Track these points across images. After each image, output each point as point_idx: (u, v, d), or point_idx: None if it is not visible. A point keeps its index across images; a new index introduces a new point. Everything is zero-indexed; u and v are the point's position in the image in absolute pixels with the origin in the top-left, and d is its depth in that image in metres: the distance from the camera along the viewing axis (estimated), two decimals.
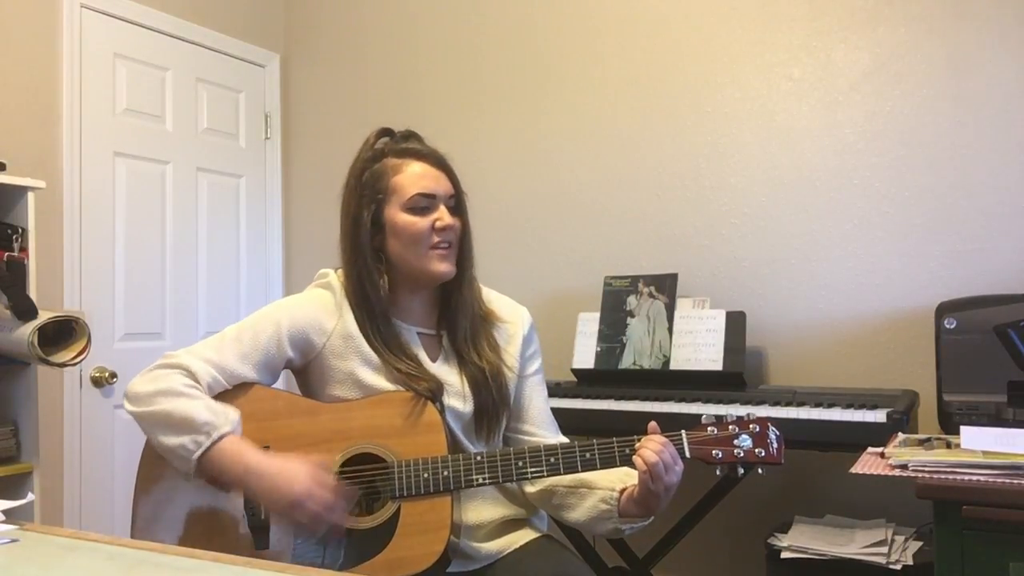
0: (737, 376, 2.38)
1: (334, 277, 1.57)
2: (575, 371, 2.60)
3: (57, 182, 2.69)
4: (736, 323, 2.43)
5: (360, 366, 1.47)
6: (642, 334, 2.53)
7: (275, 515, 1.37)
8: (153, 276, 3.04)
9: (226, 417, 1.37)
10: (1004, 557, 1.45)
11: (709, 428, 1.39)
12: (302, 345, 1.49)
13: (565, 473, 1.42)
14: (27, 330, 2.04)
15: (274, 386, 1.52)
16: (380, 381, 1.46)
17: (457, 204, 1.54)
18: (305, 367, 1.52)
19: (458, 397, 1.50)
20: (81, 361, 2.16)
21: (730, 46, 2.71)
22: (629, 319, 2.56)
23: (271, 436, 1.42)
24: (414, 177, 1.50)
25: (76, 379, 2.75)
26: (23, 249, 2.23)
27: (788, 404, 2.12)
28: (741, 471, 1.39)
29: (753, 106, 2.67)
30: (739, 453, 1.37)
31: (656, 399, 2.29)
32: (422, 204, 1.49)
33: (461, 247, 1.54)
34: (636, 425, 2.23)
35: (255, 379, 1.47)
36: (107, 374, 2.82)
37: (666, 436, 1.37)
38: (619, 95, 2.89)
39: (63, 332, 2.15)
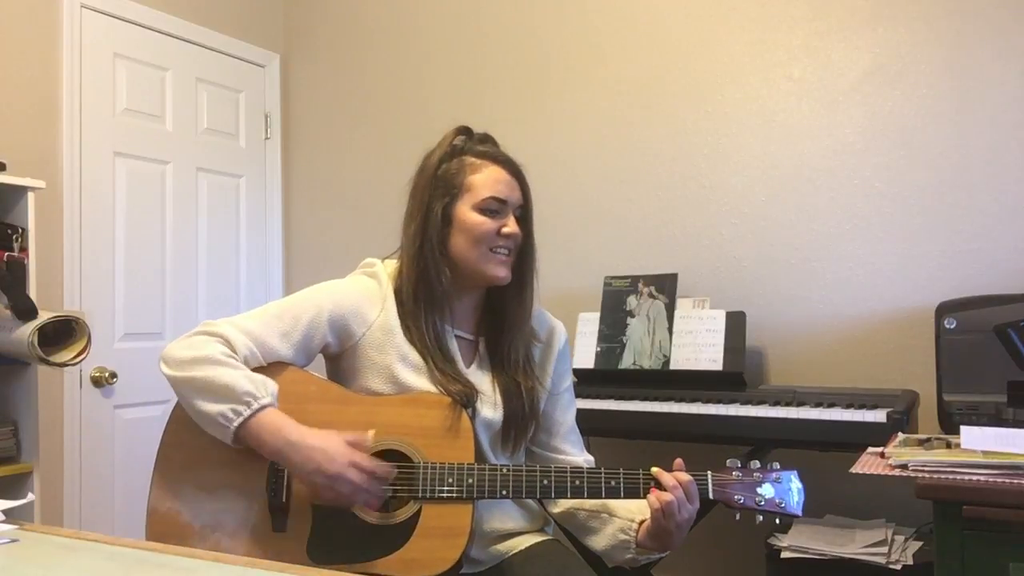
0: (737, 376, 2.38)
1: (381, 267, 1.56)
2: (575, 371, 2.60)
3: (57, 182, 2.69)
4: (736, 323, 2.43)
5: (397, 361, 1.46)
6: (642, 334, 2.53)
7: (310, 488, 1.36)
8: (153, 276, 3.04)
9: (266, 388, 1.37)
10: (1004, 557, 1.45)
11: (735, 472, 1.40)
12: (341, 332, 1.48)
13: (588, 498, 1.42)
14: (27, 330, 2.04)
15: (307, 369, 1.51)
16: (414, 379, 1.45)
17: (524, 215, 1.55)
18: (340, 354, 1.51)
19: (489, 405, 1.49)
20: (81, 361, 2.15)
21: (730, 46, 2.71)
22: (629, 319, 2.56)
23: (299, 420, 1.42)
24: (490, 180, 1.50)
25: (76, 379, 2.75)
26: (23, 249, 2.23)
27: (788, 404, 2.12)
28: (760, 519, 1.40)
29: (753, 106, 2.67)
30: (760, 502, 1.38)
31: (656, 399, 2.29)
32: (493, 207, 1.49)
33: (521, 257, 1.54)
34: (637, 425, 2.25)
35: (291, 359, 1.46)
36: (107, 374, 2.82)
37: (691, 475, 1.37)
38: (619, 95, 2.89)
39: (63, 332, 2.15)
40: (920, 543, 2.02)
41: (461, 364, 1.51)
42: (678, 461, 1.39)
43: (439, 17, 3.26)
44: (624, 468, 1.40)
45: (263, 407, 1.35)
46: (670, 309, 2.52)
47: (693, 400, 2.23)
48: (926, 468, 1.54)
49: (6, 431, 2.22)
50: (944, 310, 2.12)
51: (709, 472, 1.39)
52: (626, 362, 2.52)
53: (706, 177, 2.74)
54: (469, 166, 1.52)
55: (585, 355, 2.58)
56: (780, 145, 2.63)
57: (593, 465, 1.61)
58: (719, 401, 2.20)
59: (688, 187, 2.77)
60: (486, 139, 1.59)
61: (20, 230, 2.24)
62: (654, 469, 1.38)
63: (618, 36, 2.90)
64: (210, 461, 1.42)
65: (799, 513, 1.38)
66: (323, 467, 1.32)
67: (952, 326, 2.09)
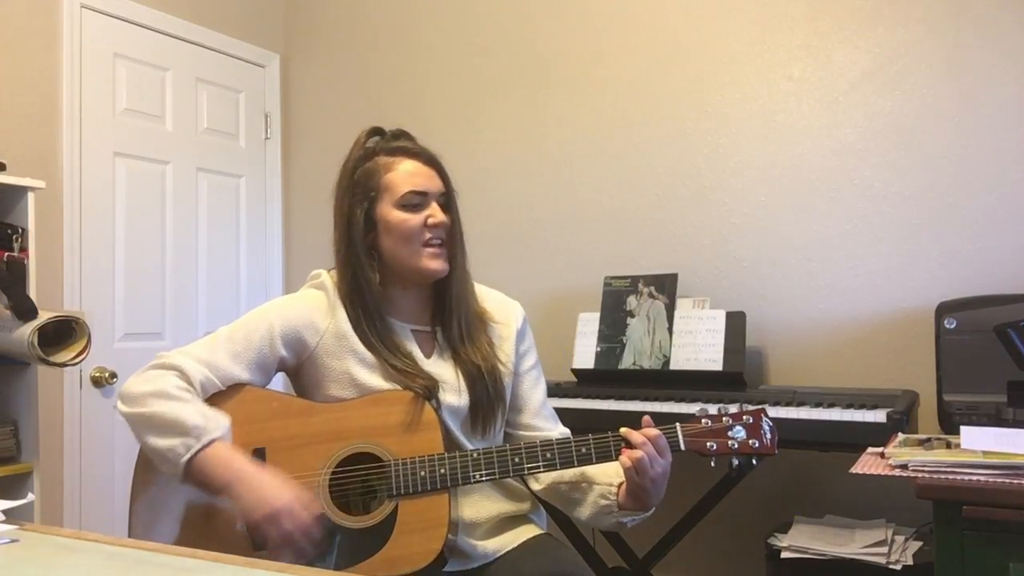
0: (737, 376, 2.38)
1: (327, 277, 1.57)
2: (575, 371, 2.60)
3: (57, 182, 2.69)
4: (736, 323, 2.43)
5: (355, 365, 1.47)
6: (642, 334, 2.53)
7: (249, 524, 1.36)
8: (153, 276, 3.04)
9: (217, 423, 1.37)
10: (1004, 557, 1.45)
11: (703, 420, 1.41)
12: (295, 345, 1.49)
13: (562, 468, 1.43)
14: (27, 330, 2.04)
15: (268, 387, 1.52)
16: (375, 379, 1.46)
17: (448, 201, 1.55)
18: (299, 367, 1.52)
19: (453, 392, 1.50)
20: (81, 361, 2.16)
21: (730, 46, 2.71)
22: (629, 319, 2.56)
23: (265, 437, 1.42)
24: (406, 175, 1.51)
25: (76, 379, 2.75)
26: (23, 249, 2.23)
27: (788, 404, 2.12)
28: (735, 462, 1.40)
29: (753, 106, 2.67)
30: (733, 444, 1.38)
31: (656, 399, 2.29)
32: (414, 201, 1.50)
33: (452, 244, 1.54)
34: (636, 425, 2.25)
35: (248, 379, 1.47)
36: (107, 374, 2.82)
37: (660, 429, 1.39)
38: (619, 95, 2.89)
39: (63, 332, 2.15)
40: (920, 543, 2.01)
41: (420, 357, 1.52)
42: (646, 418, 1.41)
43: (439, 17, 3.26)
44: (593, 434, 1.41)
45: (212, 440, 1.35)
46: (670, 309, 2.52)
47: (693, 400, 2.23)
48: (926, 468, 1.54)
49: (6, 431, 2.22)
50: (944, 310, 2.12)
51: (678, 424, 1.40)
52: (626, 362, 2.52)
53: (706, 177, 2.74)
54: (383, 165, 1.53)
55: (585, 355, 2.58)
56: (780, 145, 2.63)
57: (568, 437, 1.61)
58: (719, 401, 2.19)
59: (688, 187, 2.77)
60: (399, 135, 1.59)
61: (20, 230, 2.24)
62: (623, 429, 1.39)
63: (618, 36, 2.90)
64: (184, 490, 1.43)
65: (774, 451, 1.39)
66: (265, 502, 1.32)
67: (952, 326, 2.09)
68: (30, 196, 2.27)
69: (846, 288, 2.52)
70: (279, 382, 1.63)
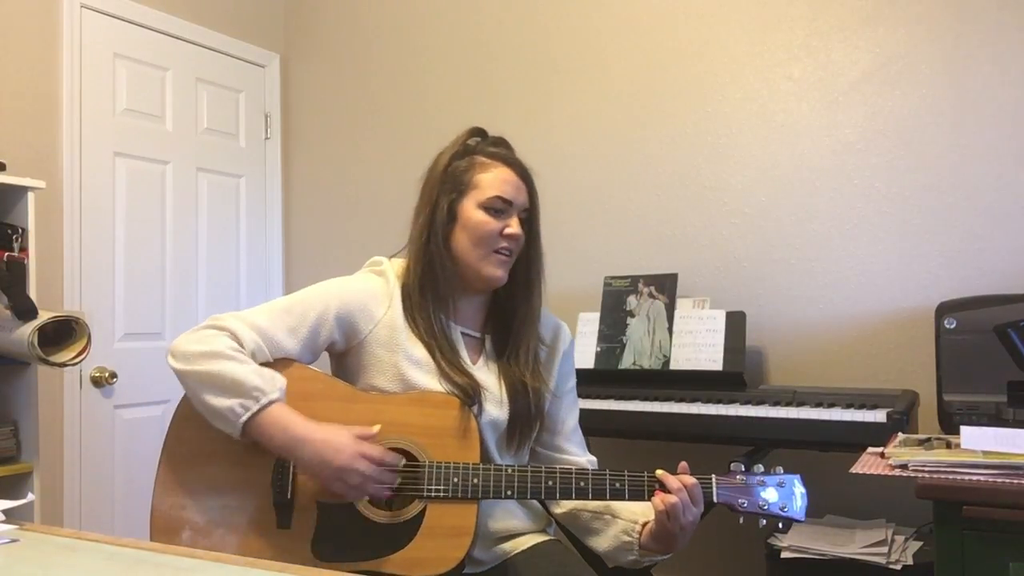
0: (737, 376, 2.38)
1: (388, 266, 1.56)
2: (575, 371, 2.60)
3: (57, 182, 2.69)
4: (736, 323, 2.43)
5: (403, 359, 1.46)
6: (642, 334, 2.53)
7: (319, 483, 1.37)
8: (153, 276, 3.04)
9: (274, 384, 1.37)
10: (1004, 557, 1.45)
11: (738, 476, 1.40)
12: (348, 329, 1.48)
13: (593, 499, 1.42)
14: (27, 330, 2.04)
15: (313, 367, 1.51)
16: (421, 376, 1.45)
17: (529, 219, 1.55)
18: (346, 352, 1.51)
19: (495, 403, 1.49)
20: (81, 361, 2.16)
21: (730, 46, 2.71)
22: (629, 319, 2.56)
23: (307, 416, 1.42)
24: (498, 180, 1.51)
25: (76, 379, 2.75)
26: (23, 249, 2.23)
27: (788, 404, 2.12)
28: (763, 523, 1.40)
29: (753, 106, 2.67)
30: (764, 507, 1.38)
31: (656, 399, 2.29)
32: (498, 206, 1.50)
33: (527, 261, 1.55)
34: (637, 425, 2.25)
35: (297, 355, 1.46)
36: (107, 374, 2.82)
37: (696, 478, 1.38)
38: (619, 95, 2.89)
39: (63, 332, 2.15)
40: (920, 543, 2.02)
41: (467, 361, 1.52)
42: (683, 464, 1.40)
43: (440, 17, 3.26)
44: (628, 470, 1.40)
45: (271, 402, 1.36)
46: (670, 309, 2.52)
47: (693, 400, 2.23)
48: (926, 468, 1.54)
49: (6, 431, 2.22)
50: (944, 310, 2.12)
51: (713, 476, 1.40)
52: (626, 362, 2.52)
53: (706, 177, 2.74)
54: (479, 165, 1.53)
55: (585, 355, 2.58)
56: (780, 145, 2.63)
57: (596, 466, 1.61)
58: (719, 401, 2.20)
59: (688, 187, 2.77)
60: (499, 142, 1.60)
61: (20, 230, 2.24)
62: (659, 472, 1.38)
63: (618, 36, 2.90)
64: (215, 457, 1.42)
65: (802, 518, 1.39)
66: (331, 460, 1.32)
67: (952, 326, 2.09)
68: (30, 196, 2.27)
69: (846, 288, 2.52)
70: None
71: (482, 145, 1.57)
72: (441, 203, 1.50)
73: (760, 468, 1.41)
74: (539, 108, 3.02)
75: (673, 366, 2.45)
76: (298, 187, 3.56)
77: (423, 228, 1.51)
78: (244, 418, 1.34)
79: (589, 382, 2.54)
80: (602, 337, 2.58)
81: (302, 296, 1.49)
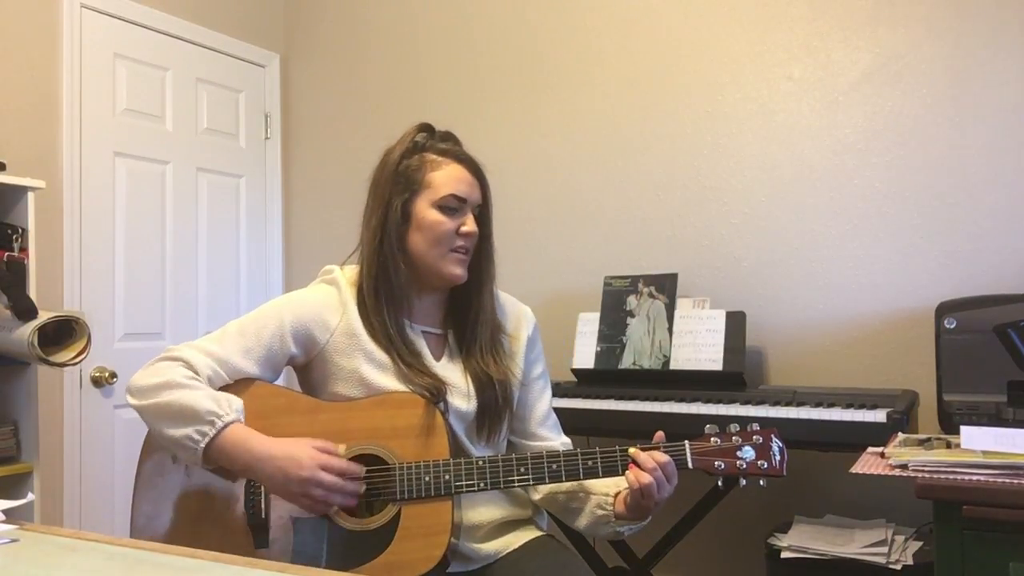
0: (737, 376, 2.38)
1: (339, 273, 1.56)
2: (575, 371, 2.60)
3: (57, 182, 2.69)
4: (736, 323, 2.43)
5: (364, 363, 1.46)
6: (642, 334, 2.53)
7: (286, 499, 1.37)
8: (153, 276, 3.04)
9: (230, 405, 1.37)
10: (1004, 557, 1.45)
11: (712, 439, 1.39)
12: (305, 341, 1.49)
13: (567, 480, 1.42)
14: (27, 330, 2.04)
15: (275, 383, 1.51)
16: (384, 379, 1.46)
17: (483, 215, 1.55)
18: (307, 364, 1.52)
19: (462, 396, 1.50)
20: (81, 361, 2.16)
21: (730, 46, 2.71)
22: (629, 319, 2.56)
23: (271, 434, 1.42)
24: (451, 178, 1.51)
25: (76, 379, 2.75)
26: (23, 249, 2.23)
27: (788, 404, 2.12)
28: (743, 482, 1.39)
29: (753, 106, 2.67)
30: (741, 465, 1.37)
31: (656, 399, 2.29)
32: (452, 205, 1.49)
33: (479, 257, 1.54)
34: (637, 425, 2.25)
35: (256, 374, 1.46)
36: (107, 374, 2.82)
37: (669, 445, 1.38)
38: (619, 95, 2.89)
39: (63, 332, 2.15)
40: (920, 543, 2.02)
41: (429, 358, 1.52)
42: (659, 434, 1.40)
43: (439, 17, 3.26)
44: (600, 447, 1.40)
45: (227, 424, 1.35)
46: (670, 309, 2.52)
47: (693, 400, 2.23)
48: (926, 468, 1.54)
49: (6, 431, 2.22)
50: (944, 310, 2.12)
51: (687, 442, 1.39)
52: (626, 362, 2.52)
53: (706, 177, 2.74)
54: (430, 163, 1.52)
55: (585, 355, 2.58)
56: (780, 145, 2.63)
57: (570, 447, 1.61)
58: (719, 401, 2.20)
59: (688, 187, 2.77)
60: (448, 137, 1.59)
61: (20, 230, 2.24)
62: (631, 450, 1.38)
63: (618, 36, 2.90)
64: (187, 486, 1.43)
65: (783, 472, 1.37)
66: (294, 475, 1.32)
67: (952, 326, 2.09)
68: (30, 196, 2.27)
69: (846, 288, 2.52)
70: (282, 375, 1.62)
71: (432, 142, 1.56)
72: (394, 204, 1.50)
73: (736, 427, 1.39)
74: (538, 108, 3.02)
75: (673, 366, 2.45)
76: (298, 187, 3.56)
77: (376, 230, 1.51)
78: (203, 444, 1.34)
79: (589, 382, 2.55)
80: (602, 337, 2.58)
81: (255, 316, 1.49)
